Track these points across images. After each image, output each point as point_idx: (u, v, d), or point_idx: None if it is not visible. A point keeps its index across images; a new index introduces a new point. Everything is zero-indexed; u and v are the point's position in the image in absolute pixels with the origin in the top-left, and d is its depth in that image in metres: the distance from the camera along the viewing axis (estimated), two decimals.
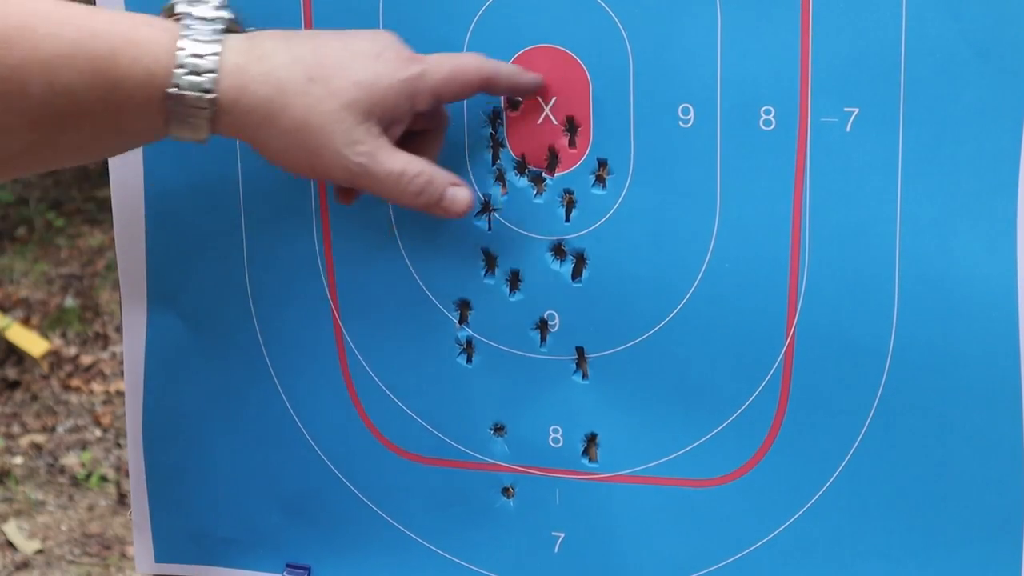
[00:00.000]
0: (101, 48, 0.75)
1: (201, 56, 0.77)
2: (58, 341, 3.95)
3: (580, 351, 0.88)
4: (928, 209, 0.79)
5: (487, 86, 0.84)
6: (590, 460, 0.88)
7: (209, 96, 0.77)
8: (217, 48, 0.77)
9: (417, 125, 0.85)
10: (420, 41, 0.86)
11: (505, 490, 0.91)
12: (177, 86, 0.76)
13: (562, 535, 0.89)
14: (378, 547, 0.94)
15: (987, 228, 0.78)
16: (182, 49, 0.77)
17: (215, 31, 0.78)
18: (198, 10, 0.78)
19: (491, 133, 0.87)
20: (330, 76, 0.79)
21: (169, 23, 0.78)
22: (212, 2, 0.79)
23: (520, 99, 0.86)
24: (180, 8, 0.79)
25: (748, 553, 0.86)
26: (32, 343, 3.83)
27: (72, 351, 3.92)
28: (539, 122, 0.86)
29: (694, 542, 0.86)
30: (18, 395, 3.73)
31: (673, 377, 0.85)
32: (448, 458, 0.91)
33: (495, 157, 0.88)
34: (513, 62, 0.85)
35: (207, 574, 0.99)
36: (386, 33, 0.83)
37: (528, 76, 0.85)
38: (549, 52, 0.85)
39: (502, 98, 0.86)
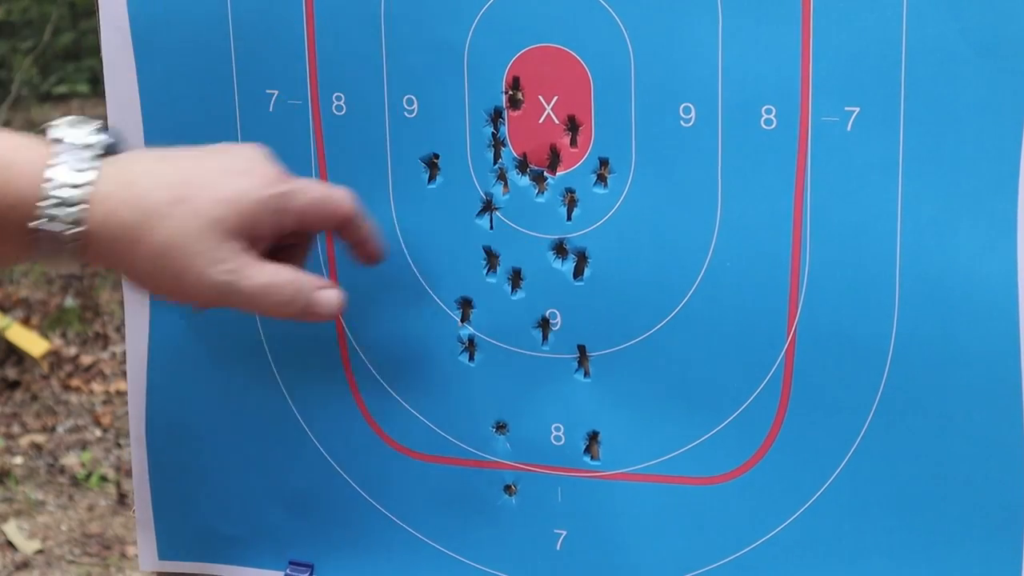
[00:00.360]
0: None
1: (74, 186, 0.76)
2: (58, 341, 3.95)
3: (582, 349, 0.88)
4: (928, 208, 0.79)
5: (344, 227, 0.84)
6: (592, 458, 0.89)
7: (76, 230, 0.76)
8: (91, 176, 0.77)
9: (284, 240, 0.84)
10: (421, 41, 0.86)
11: (507, 488, 0.91)
12: (43, 218, 0.76)
13: (564, 533, 0.90)
14: (381, 544, 0.94)
15: (987, 228, 0.78)
16: (50, 180, 0.76)
17: (91, 158, 0.77)
18: (74, 135, 0.78)
19: (492, 132, 0.87)
20: (194, 195, 0.78)
21: (41, 148, 0.77)
22: (91, 125, 0.79)
23: (521, 99, 0.86)
24: (56, 133, 0.78)
25: (749, 551, 0.86)
26: (32, 343, 3.83)
27: (72, 351, 3.92)
28: (540, 121, 0.86)
29: (695, 540, 0.86)
30: (18, 395, 3.73)
31: (674, 375, 0.85)
32: (450, 456, 0.91)
33: (496, 156, 0.88)
34: (515, 61, 0.85)
35: (210, 571, 0.99)
36: (260, 149, 0.82)
37: (377, 246, 0.86)
38: (550, 51, 0.85)
39: (503, 97, 0.86)
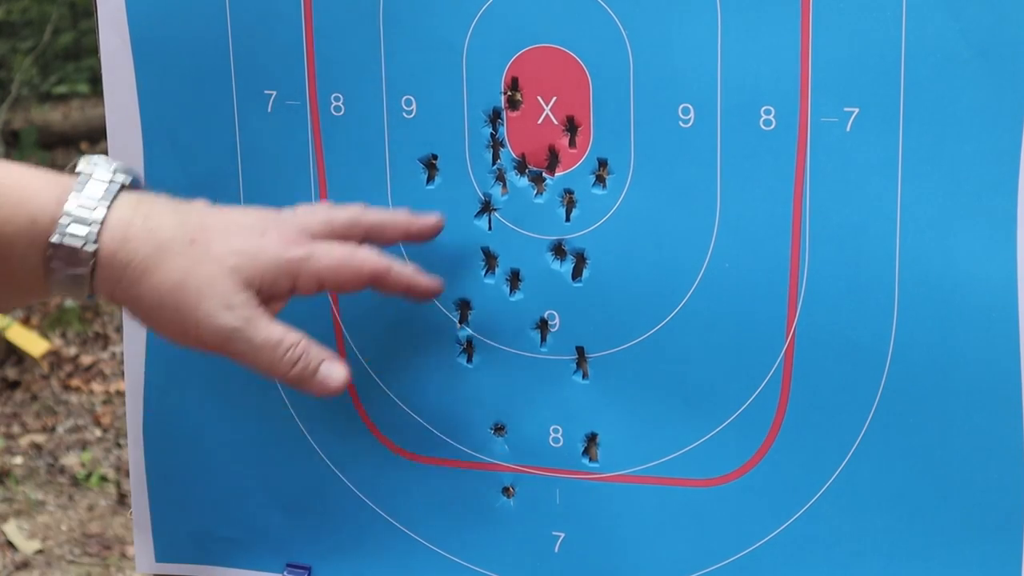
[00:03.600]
0: None
1: (90, 208, 0.77)
2: (58, 341, 3.96)
3: (580, 351, 0.88)
4: (928, 209, 0.79)
5: (378, 282, 0.83)
6: (590, 460, 0.89)
7: (91, 248, 0.77)
8: (106, 204, 0.77)
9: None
10: (420, 42, 0.86)
11: (505, 490, 0.91)
12: (61, 234, 0.76)
13: (562, 535, 0.90)
14: (379, 547, 0.94)
15: (987, 228, 0.78)
16: (70, 203, 0.77)
17: (108, 192, 0.78)
18: (96, 172, 0.79)
19: (491, 133, 0.87)
20: (212, 240, 0.78)
21: (64, 178, 0.78)
22: (112, 166, 0.79)
23: (520, 100, 0.86)
24: (80, 168, 0.79)
25: (748, 553, 0.86)
26: (32, 343, 3.83)
27: (72, 351, 3.92)
28: (539, 122, 0.86)
29: (694, 542, 0.86)
30: (18, 395, 3.73)
31: (673, 377, 0.85)
32: (448, 458, 0.91)
33: (495, 157, 0.88)
34: (513, 62, 0.85)
35: (208, 574, 0.99)
36: (275, 213, 0.82)
37: (425, 280, 0.85)
38: (549, 52, 0.85)
39: (502, 97, 0.86)
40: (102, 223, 0.77)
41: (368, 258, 0.82)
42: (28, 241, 0.77)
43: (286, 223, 0.81)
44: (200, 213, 0.80)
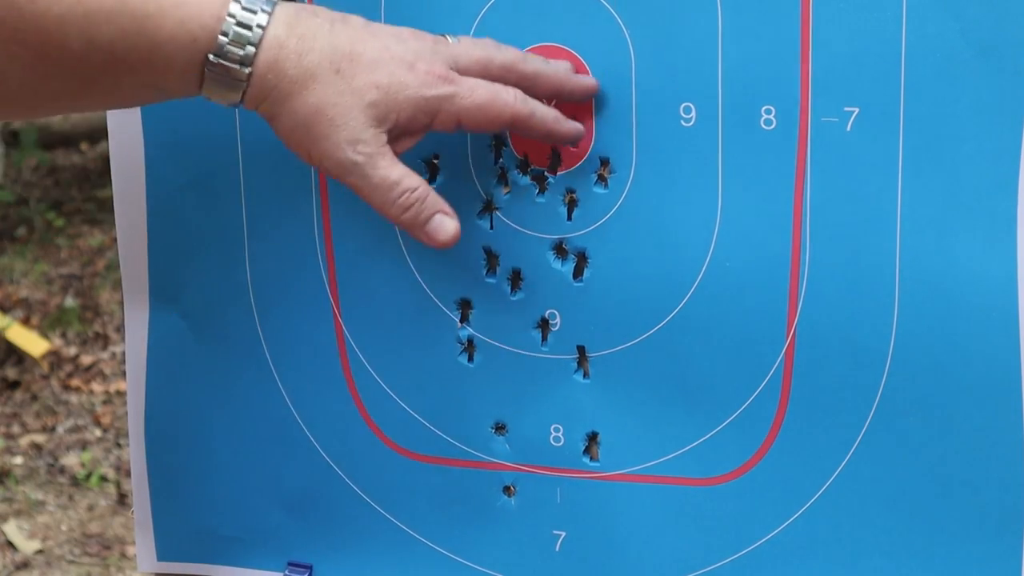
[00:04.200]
0: (148, 6, 0.76)
1: (248, 27, 0.77)
2: (58, 341, 3.95)
3: (581, 350, 0.88)
4: (928, 209, 0.79)
5: (518, 126, 0.82)
6: (591, 459, 0.89)
7: (246, 69, 0.77)
8: (263, 19, 0.77)
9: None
10: None
11: (506, 489, 0.91)
12: (219, 54, 0.77)
13: (563, 534, 0.90)
14: (380, 546, 0.94)
15: (987, 228, 0.78)
16: (231, 16, 0.77)
17: (264, 8, 0.78)
18: None
19: (493, 132, 0.87)
20: (356, 72, 0.79)
21: None
22: None
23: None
24: None
25: (749, 552, 0.86)
26: (32, 343, 3.83)
27: (72, 351, 3.91)
28: None
29: (695, 541, 0.86)
30: (18, 395, 3.73)
31: (674, 376, 0.85)
32: (449, 457, 0.91)
33: (497, 156, 0.88)
34: None
35: (209, 572, 0.99)
36: (431, 42, 0.82)
37: (568, 125, 0.84)
38: (551, 51, 0.85)
39: None
40: (257, 45, 0.77)
41: (509, 104, 0.81)
42: (186, 57, 0.77)
43: (438, 55, 0.81)
44: (353, 39, 0.80)
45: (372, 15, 0.87)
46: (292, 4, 0.80)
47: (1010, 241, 0.78)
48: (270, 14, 0.78)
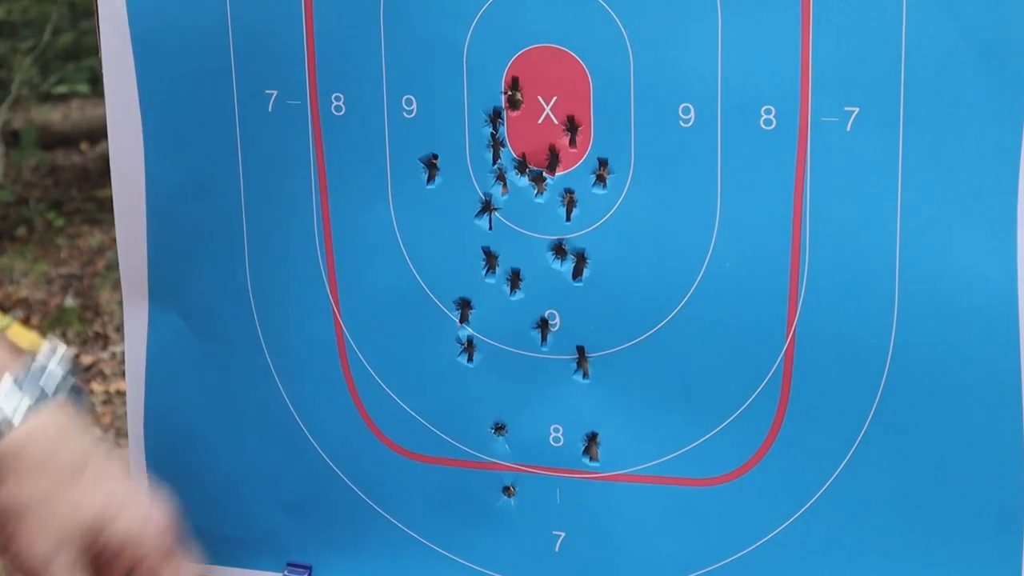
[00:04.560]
0: None
1: (9, 410, 0.82)
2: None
3: (581, 350, 0.88)
4: (928, 209, 0.79)
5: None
6: (591, 459, 0.89)
7: None
8: (18, 417, 0.82)
9: None
10: (420, 41, 0.86)
11: (506, 489, 0.91)
12: None
13: (563, 534, 0.90)
14: (379, 546, 0.94)
15: (987, 228, 0.78)
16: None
17: (32, 400, 0.82)
18: (49, 363, 0.85)
19: (492, 132, 0.87)
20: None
21: (9, 362, 0.83)
22: (62, 369, 0.85)
23: (520, 100, 0.86)
24: (38, 360, 0.84)
25: (748, 552, 0.86)
26: (32, 343, 3.83)
27: (72, 351, 3.91)
28: (540, 121, 0.86)
29: (694, 541, 0.86)
30: None
31: (674, 376, 0.85)
32: (449, 457, 0.91)
33: (496, 156, 0.88)
34: (514, 62, 0.85)
35: (208, 573, 0.99)
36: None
37: None
38: (550, 52, 0.85)
39: (502, 97, 0.86)
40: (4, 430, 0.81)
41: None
42: None
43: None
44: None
45: (372, 15, 0.87)
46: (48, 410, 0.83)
47: (1010, 241, 0.78)
48: (26, 412, 0.82)
